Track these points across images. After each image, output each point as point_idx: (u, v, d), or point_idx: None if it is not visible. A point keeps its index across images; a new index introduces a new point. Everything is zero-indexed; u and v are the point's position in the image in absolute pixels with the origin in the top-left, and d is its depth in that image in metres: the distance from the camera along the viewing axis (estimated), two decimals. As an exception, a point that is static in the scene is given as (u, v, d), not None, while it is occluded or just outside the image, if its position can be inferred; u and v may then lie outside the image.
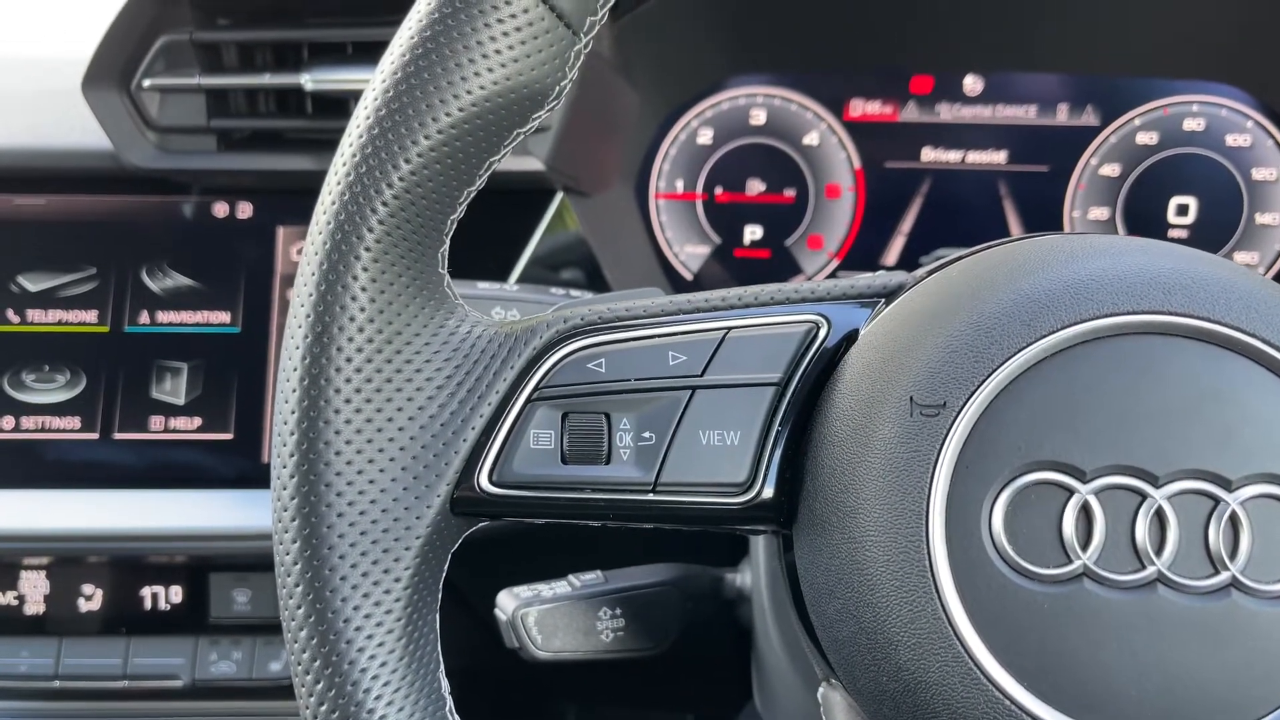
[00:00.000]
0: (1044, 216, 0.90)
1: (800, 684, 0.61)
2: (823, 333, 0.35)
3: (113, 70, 0.76)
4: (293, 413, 0.33)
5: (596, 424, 0.35)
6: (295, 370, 0.33)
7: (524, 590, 0.63)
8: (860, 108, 0.89)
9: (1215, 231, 0.89)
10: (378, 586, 0.32)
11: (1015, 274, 0.33)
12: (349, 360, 0.33)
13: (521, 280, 0.80)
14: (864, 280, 0.37)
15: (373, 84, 0.33)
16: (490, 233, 0.79)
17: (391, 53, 0.33)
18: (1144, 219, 0.89)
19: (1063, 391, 0.31)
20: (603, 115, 0.83)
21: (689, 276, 0.94)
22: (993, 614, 0.30)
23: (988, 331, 0.32)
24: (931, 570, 0.30)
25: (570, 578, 0.65)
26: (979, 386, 0.31)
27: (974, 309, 0.32)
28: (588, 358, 0.35)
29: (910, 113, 0.89)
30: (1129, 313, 0.31)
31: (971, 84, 0.88)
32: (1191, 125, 0.87)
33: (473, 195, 0.35)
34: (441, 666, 0.35)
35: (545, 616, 0.62)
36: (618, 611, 0.63)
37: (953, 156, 0.90)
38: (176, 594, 0.76)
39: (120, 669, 0.75)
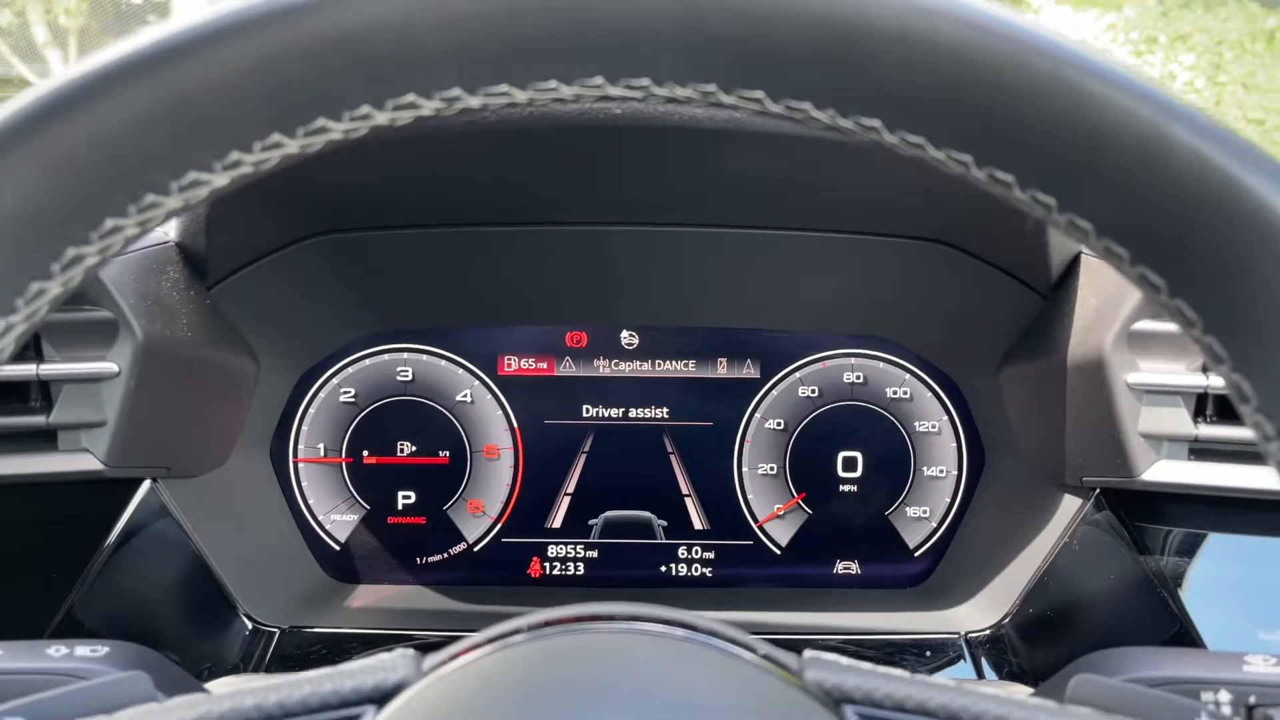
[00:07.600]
0: (714, 471, 0.86)
1: None
2: None
3: None
4: None
5: None
6: None
7: None
8: (514, 363, 0.85)
9: (886, 484, 0.86)
10: None
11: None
12: None
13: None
14: (350, 682, 0.30)
15: None
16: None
17: None
18: (812, 473, 0.86)
19: None
20: (206, 388, 0.74)
21: (336, 546, 0.84)
22: None
23: None
24: None
25: None
26: None
27: None
28: None
29: (567, 368, 0.85)
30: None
31: (627, 339, 0.85)
32: (850, 378, 0.86)
33: None
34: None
35: None
36: None
37: (615, 412, 0.85)
38: None
39: None
